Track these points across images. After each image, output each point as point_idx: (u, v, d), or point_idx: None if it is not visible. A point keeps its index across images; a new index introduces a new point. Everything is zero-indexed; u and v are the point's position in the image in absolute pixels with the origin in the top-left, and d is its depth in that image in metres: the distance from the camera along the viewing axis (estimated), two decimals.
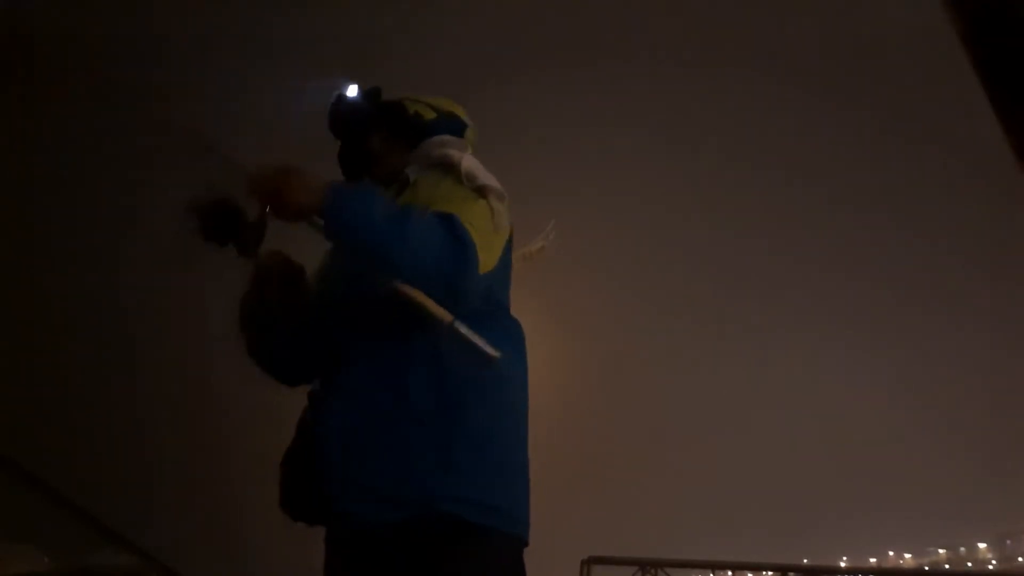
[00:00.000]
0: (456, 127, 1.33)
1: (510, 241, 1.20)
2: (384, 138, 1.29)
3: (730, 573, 6.24)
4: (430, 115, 1.33)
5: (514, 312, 1.34)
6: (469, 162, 1.17)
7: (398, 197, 1.18)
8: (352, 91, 1.32)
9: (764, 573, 5.86)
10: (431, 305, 1.01)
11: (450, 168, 1.16)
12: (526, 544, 1.12)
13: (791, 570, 5.66)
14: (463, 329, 1.03)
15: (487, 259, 1.07)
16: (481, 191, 1.13)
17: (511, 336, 1.21)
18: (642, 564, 5.47)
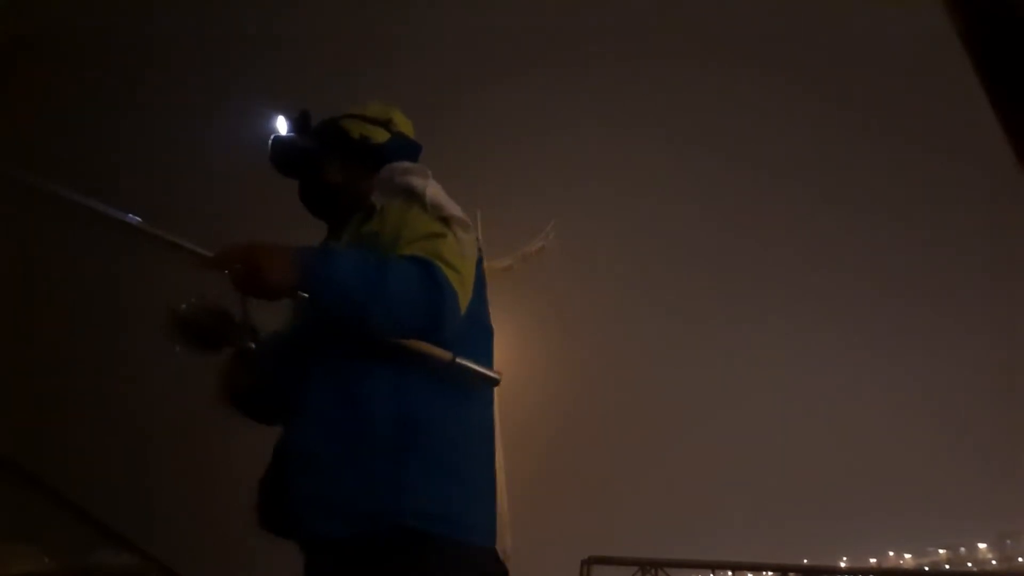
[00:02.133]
0: (412, 150, 1.32)
1: (480, 261, 1.19)
2: (340, 168, 1.28)
3: (730, 573, 6.24)
4: (381, 136, 1.29)
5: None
6: (433, 191, 1.16)
7: (364, 225, 1.18)
8: (283, 126, 1.30)
9: (764, 573, 5.86)
10: (429, 348, 1.02)
11: (414, 196, 1.15)
12: (491, 549, 1.13)
13: (791, 570, 5.66)
14: (465, 362, 1.05)
15: (464, 295, 1.07)
16: (446, 222, 1.12)
17: (487, 352, 1.23)
18: (642, 564, 5.47)
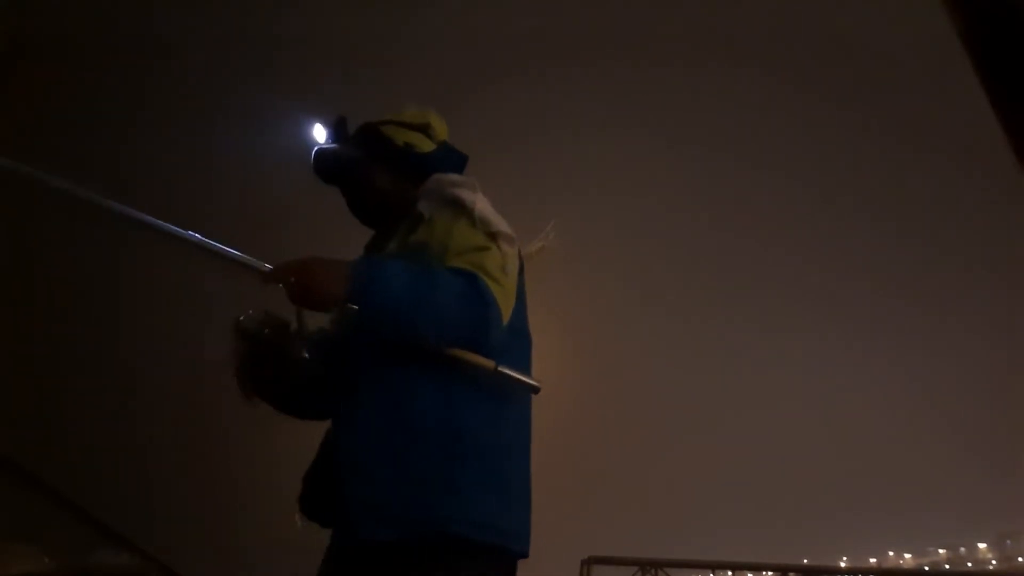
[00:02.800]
0: (457, 161, 1.33)
1: (522, 272, 1.22)
2: (386, 176, 1.29)
3: (730, 573, 6.24)
4: (426, 145, 1.31)
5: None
6: (482, 205, 1.18)
7: (412, 234, 1.19)
8: (322, 135, 1.29)
9: (764, 573, 5.86)
10: (472, 357, 1.05)
11: (463, 210, 1.17)
12: (525, 556, 1.16)
13: (791, 570, 5.66)
14: (507, 370, 1.07)
15: (507, 307, 1.11)
16: (493, 236, 1.15)
17: (527, 361, 1.24)
18: (642, 564, 5.47)
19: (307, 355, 1.10)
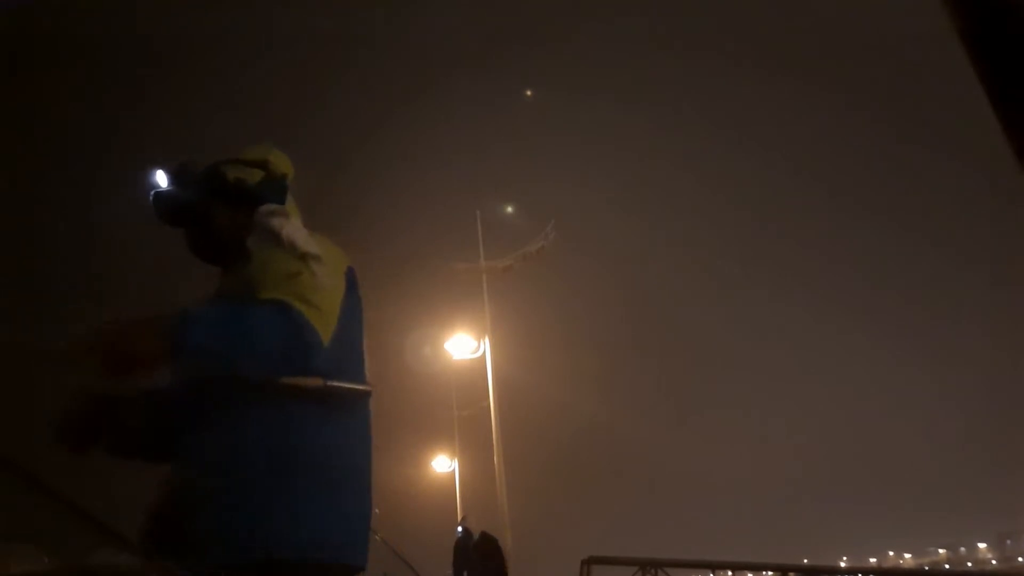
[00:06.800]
0: (279, 189, 1.37)
1: (353, 286, 1.27)
2: (224, 213, 1.35)
3: (730, 573, 6.25)
4: (255, 177, 1.35)
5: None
6: (289, 230, 1.22)
7: (242, 270, 1.25)
8: (163, 179, 1.36)
9: (764, 573, 5.87)
10: (298, 381, 1.10)
11: (274, 237, 1.22)
12: (363, 569, 1.21)
13: (791, 570, 5.67)
14: (335, 383, 1.12)
15: (325, 327, 1.14)
16: (303, 259, 1.18)
17: (358, 372, 1.29)
18: (642, 564, 5.48)
19: (137, 421, 1.17)
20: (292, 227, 1.23)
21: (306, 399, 1.11)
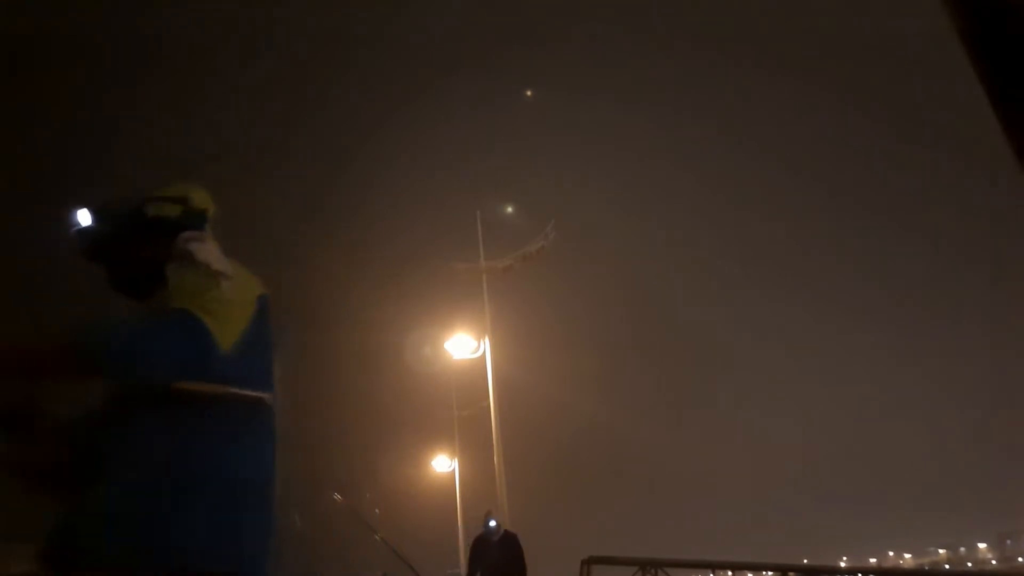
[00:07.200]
0: (198, 222, 1.43)
1: (265, 308, 1.35)
2: (145, 246, 1.41)
3: (730, 573, 6.25)
4: (174, 212, 1.42)
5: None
6: (204, 253, 1.31)
7: (163, 296, 1.29)
8: (85, 217, 1.41)
9: (764, 573, 5.87)
10: (198, 386, 1.16)
11: (189, 259, 1.31)
12: None
13: (791, 570, 5.67)
14: (233, 390, 1.18)
15: (226, 336, 1.21)
16: (214, 276, 1.28)
17: (264, 382, 1.34)
18: (642, 564, 5.48)
19: (36, 438, 1.22)
20: (207, 250, 1.31)
21: (203, 407, 1.17)
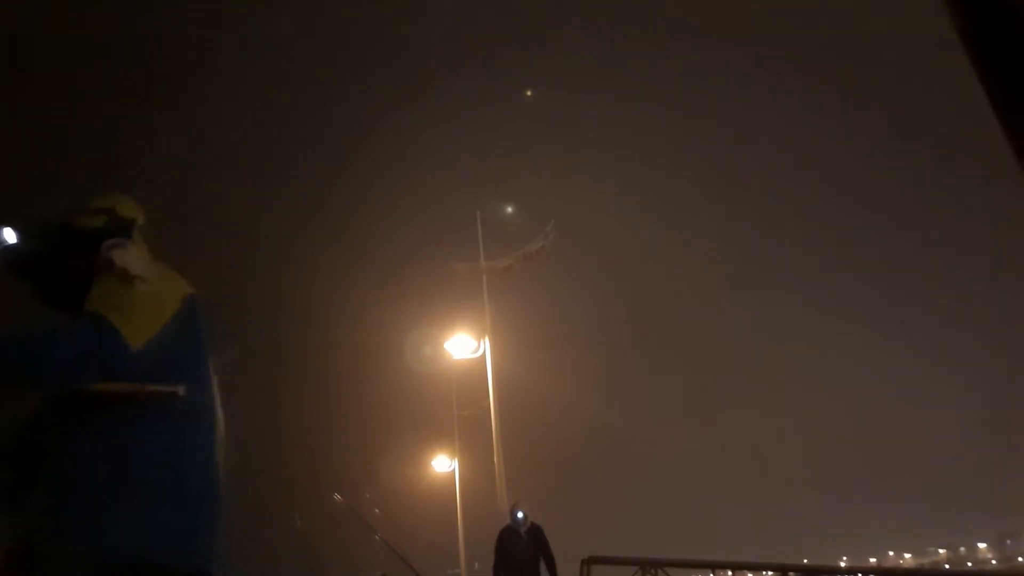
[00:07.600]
0: (124, 231, 1.46)
1: (193, 307, 1.37)
2: (74, 260, 1.43)
3: (730, 573, 6.25)
4: (99, 222, 1.45)
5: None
6: (123, 258, 1.34)
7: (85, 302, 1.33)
8: (9, 235, 1.42)
9: (764, 573, 5.87)
10: (108, 386, 1.19)
11: (110, 264, 1.34)
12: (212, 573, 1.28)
13: (791, 570, 5.67)
14: (147, 386, 1.21)
15: (136, 334, 1.23)
16: (130, 279, 1.31)
17: (198, 376, 1.36)
18: (642, 564, 5.48)
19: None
20: (128, 256, 1.35)
21: (120, 404, 1.20)
